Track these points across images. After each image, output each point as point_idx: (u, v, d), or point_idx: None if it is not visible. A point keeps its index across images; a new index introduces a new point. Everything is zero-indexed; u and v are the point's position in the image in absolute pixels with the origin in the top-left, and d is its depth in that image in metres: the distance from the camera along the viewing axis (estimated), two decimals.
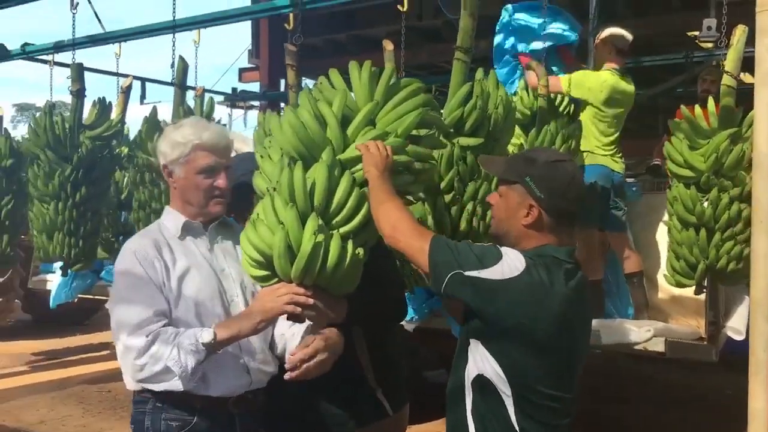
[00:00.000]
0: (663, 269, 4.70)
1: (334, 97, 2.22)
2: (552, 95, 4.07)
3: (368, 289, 2.16)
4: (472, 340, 1.96)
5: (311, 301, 2.03)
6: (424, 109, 2.27)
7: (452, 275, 1.89)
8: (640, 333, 3.99)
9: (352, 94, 2.29)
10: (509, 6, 4.79)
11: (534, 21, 4.66)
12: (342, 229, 2.08)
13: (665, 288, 4.70)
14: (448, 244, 1.96)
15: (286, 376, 2.08)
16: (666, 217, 4.72)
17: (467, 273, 1.87)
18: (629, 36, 4.63)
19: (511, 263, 1.87)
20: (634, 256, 4.67)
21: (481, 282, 1.86)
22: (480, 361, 1.93)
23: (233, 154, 2.46)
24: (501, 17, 4.78)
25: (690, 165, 3.51)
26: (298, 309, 2.02)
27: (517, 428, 1.90)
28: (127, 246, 2.25)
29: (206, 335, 2.03)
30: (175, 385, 2.06)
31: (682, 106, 3.74)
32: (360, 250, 2.10)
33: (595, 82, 4.41)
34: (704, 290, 3.72)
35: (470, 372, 1.96)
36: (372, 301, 2.22)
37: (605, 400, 5.95)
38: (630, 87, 4.58)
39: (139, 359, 2.06)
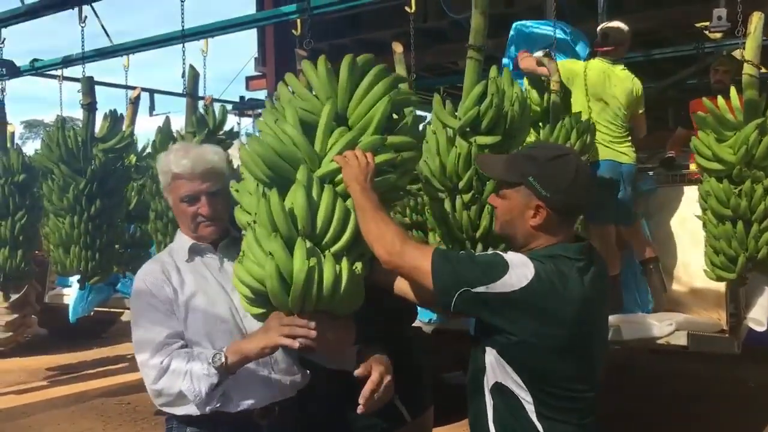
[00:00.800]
0: (681, 262, 4.70)
1: (286, 108, 2.12)
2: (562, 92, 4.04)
3: (365, 306, 2.07)
4: (487, 348, 1.90)
5: (313, 333, 1.93)
6: (394, 92, 2.17)
7: (460, 294, 1.82)
8: (662, 327, 3.96)
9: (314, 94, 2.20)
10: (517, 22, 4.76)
11: (542, 29, 4.63)
12: (333, 249, 1.99)
13: (684, 281, 4.68)
14: (450, 260, 1.88)
15: (359, 410, 2.03)
16: (683, 210, 4.73)
17: (475, 290, 1.80)
18: (608, 27, 4.58)
19: (519, 272, 1.80)
20: (648, 244, 4.65)
21: (492, 297, 1.80)
22: (497, 369, 1.88)
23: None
24: (510, 35, 4.74)
25: (719, 158, 3.47)
26: (296, 344, 1.94)
27: (541, 431, 1.85)
28: (138, 274, 2.25)
29: (217, 359, 2.00)
30: (192, 409, 2.04)
31: (704, 99, 3.70)
32: (357, 265, 2.01)
33: (579, 67, 4.41)
34: (746, 282, 3.68)
35: (488, 379, 1.91)
36: (370, 318, 2.12)
37: (624, 395, 5.91)
38: (617, 71, 4.49)
39: (155, 385, 2.06)
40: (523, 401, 1.85)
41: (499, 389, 1.88)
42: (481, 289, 1.80)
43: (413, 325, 2.79)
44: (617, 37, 4.54)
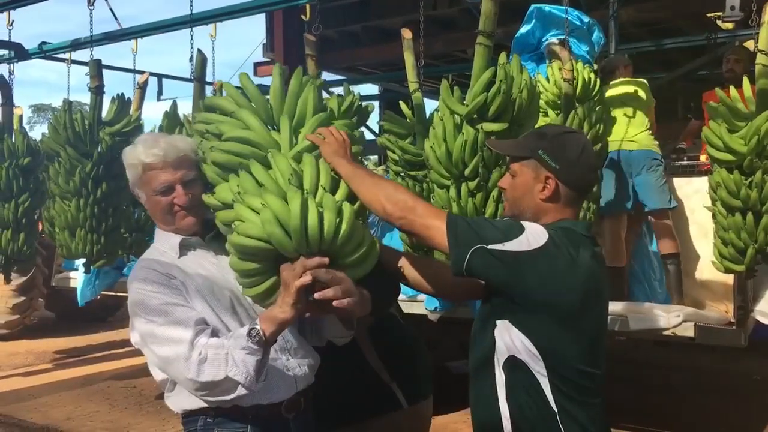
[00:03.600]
0: (689, 254, 4.68)
1: (221, 126, 2.09)
2: (581, 79, 4.01)
3: None
4: (499, 321, 1.89)
5: (326, 260, 1.82)
6: (307, 79, 2.16)
7: (474, 251, 1.82)
8: (669, 318, 3.94)
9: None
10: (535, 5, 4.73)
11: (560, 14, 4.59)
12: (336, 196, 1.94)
13: (691, 272, 4.67)
14: (466, 220, 1.92)
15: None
16: (691, 202, 4.70)
17: (490, 246, 1.81)
18: None
19: (534, 235, 1.84)
20: (672, 239, 4.62)
21: (506, 254, 1.80)
22: (510, 342, 1.87)
23: None
24: (529, 12, 4.70)
25: (730, 149, 3.43)
26: (308, 279, 1.81)
27: (554, 407, 1.85)
28: (135, 278, 2.08)
29: (254, 333, 1.89)
30: (241, 392, 1.94)
31: (718, 89, 3.66)
32: (361, 221, 1.96)
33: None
34: (755, 274, 3.64)
35: (500, 354, 1.89)
36: None
37: (628, 387, 5.90)
38: None
39: (199, 377, 1.93)
40: (537, 375, 1.85)
41: (512, 363, 1.87)
42: (496, 246, 1.81)
43: (418, 313, 2.79)
44: None
